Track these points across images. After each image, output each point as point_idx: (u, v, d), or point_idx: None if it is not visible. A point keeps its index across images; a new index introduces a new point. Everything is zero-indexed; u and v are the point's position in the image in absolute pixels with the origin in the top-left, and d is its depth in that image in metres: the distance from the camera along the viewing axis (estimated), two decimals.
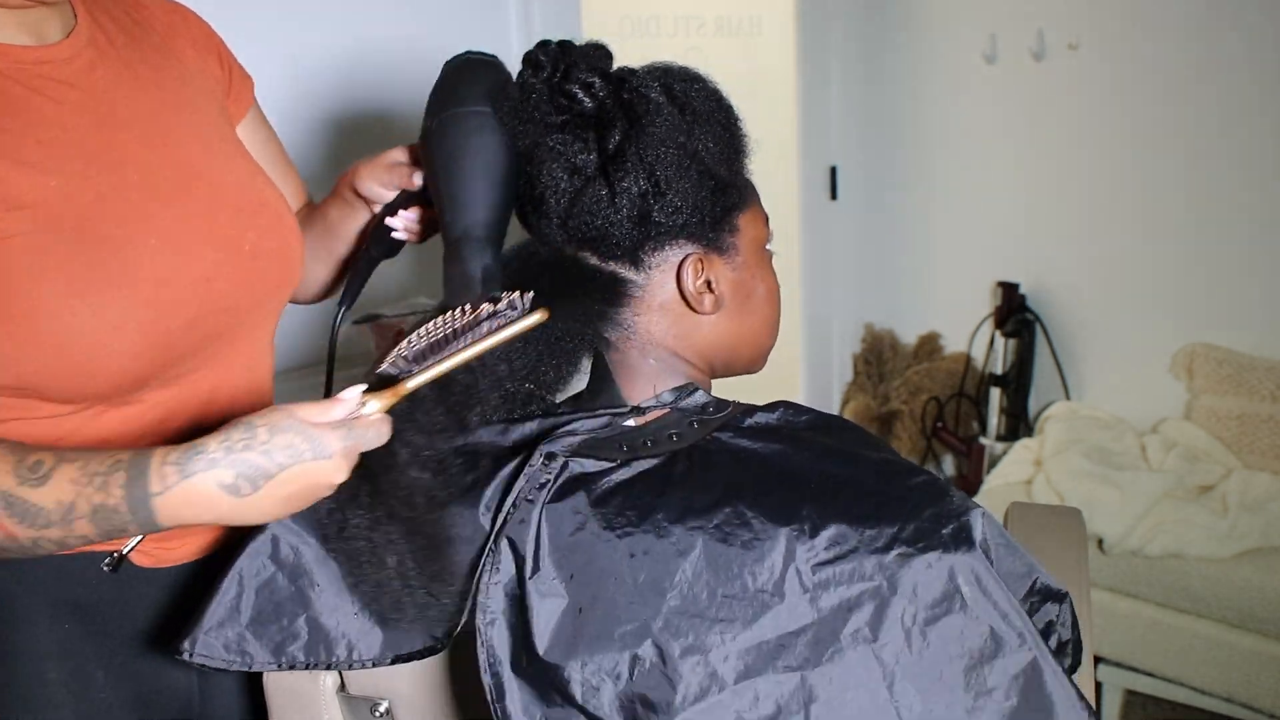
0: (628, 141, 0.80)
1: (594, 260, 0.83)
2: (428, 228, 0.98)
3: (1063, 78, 2.64)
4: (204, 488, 0.69)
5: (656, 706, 0.67)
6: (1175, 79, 2.46)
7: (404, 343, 0.75)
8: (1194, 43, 2.42)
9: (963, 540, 0.68)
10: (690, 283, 0.83)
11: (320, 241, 1.08)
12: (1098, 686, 2.26)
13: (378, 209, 1.01)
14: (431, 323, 0.75)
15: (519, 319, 0.75)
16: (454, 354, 0.74)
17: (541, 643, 0.69)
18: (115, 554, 0.91)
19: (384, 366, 0.75)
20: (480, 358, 0.75)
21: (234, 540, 0.84)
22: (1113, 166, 2.60)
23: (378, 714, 0.84)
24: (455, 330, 0.75)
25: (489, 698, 0.70)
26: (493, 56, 0.91)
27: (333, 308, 1.01)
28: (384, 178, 0.98)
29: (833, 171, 3.05)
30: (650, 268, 0.83)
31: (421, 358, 0.75)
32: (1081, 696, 0.67)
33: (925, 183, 2.98)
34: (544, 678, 0.69)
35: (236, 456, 0.69)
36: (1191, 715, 2.24)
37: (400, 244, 1.00)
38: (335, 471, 0.71)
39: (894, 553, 0.67)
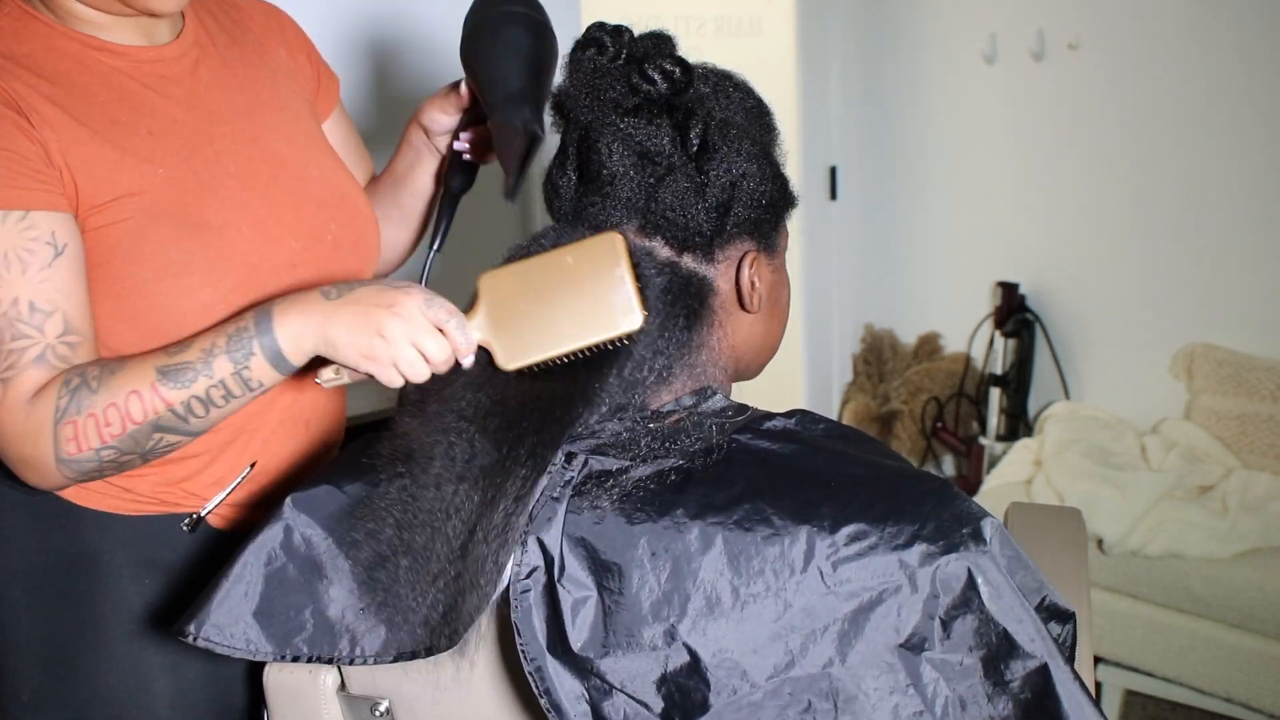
0: (712, 132, 0.80)
1: (668, 252, 0.83)
2: (488, 141, 1.02)
3: (1063, 78, 2.64)
4: (308, 293, 0.82)
5: (693, 701, 0.68)
6: (1175, 79, 2.46)
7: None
8: (1194, 43, 2.42)
9: (980, 543, 0.69)
10: (747, 279, 0.84)
11: (391, 198, 1.14)
12: (1098, 686, 2.26)
13: (443, 142, 1.07)
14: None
15: (593, 235, 0.80)
16: (531, 258, 0.81)
17: (575, 640, 0.70)
18: (194, 515, 0.99)
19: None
20: (559, 271, 0.80)
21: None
22: (1113, 166, 2.60)
23: (378, 713, 0.84)
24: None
25: (534, 687, 0.70)
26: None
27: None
28: (440, 104, 1.04)
29: (833, 171, 3.05)
30: (719, 262, 0.84)
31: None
32: (1092, 700, 0.67)
33: (925, 182, 2.99)
34: (582, 667, 0.70)
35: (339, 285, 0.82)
36: (1191, 715, 2.24)
37: (475, 170, 1.05)
38: (403, 295, 0.79)
39: (915, 550, 0.68)
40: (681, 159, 0.81)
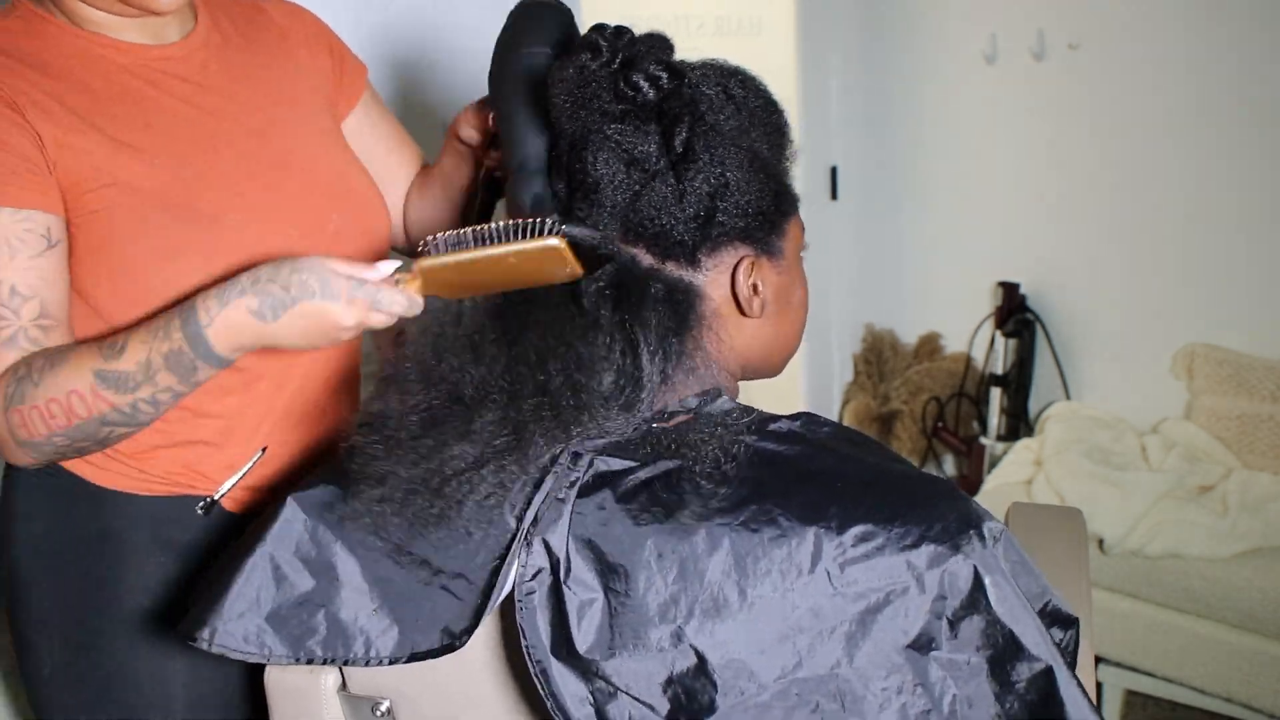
0: (696, 139, 0.79)
1: (650, 260, 0.82)
2: None
3: (1063, 78, 2.64)
4: (238, 313, 0.82)
5: (700, 704, 0.68)
6: (1175, 79, 2.46)
7: (443, 234, 0.81)
8: (1194, 43, 2.42)
9: (987, 545, 0.69)
10: (744, 285, 0.83)
11: (441, 191, 1.17)
12: (1098, 686, 2.26)
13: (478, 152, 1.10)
14: (472, 228, 0.80)
15: (540, 237, 0.78)
16: (471, 250, 0.79)
17: (581, 642, 0.70)
18: (208, 498, 1.01)
19: (426, 240, 0.81)
20: (497, 266, 0.79)
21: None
22: (1113, 166, 2.60)
23: (378, 713, 0.84)
24: (486, 235, 0.79)
25: (539, 688, 0.70)
26: (558, 1, 0.95)
27: None
28: (470, 119, 1.09)
29: (833, 171, 3.05)
30: (707, 269, 0.83)
31: (454, 245, 0.80)
32: (1094, 707, 0.68)
33: (925, 182, 2.98)
34: (588, 668, 0.70)
35: (261, 287, 0.82)
36: (1191, 715, 2.24)
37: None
38: (342, 314, 0.81)
39: (923, 551, 0.68)
40: (664, 167, 0.80)
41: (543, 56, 0.90)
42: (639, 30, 0.85)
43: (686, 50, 0.87)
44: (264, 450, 1.03)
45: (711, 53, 0.86)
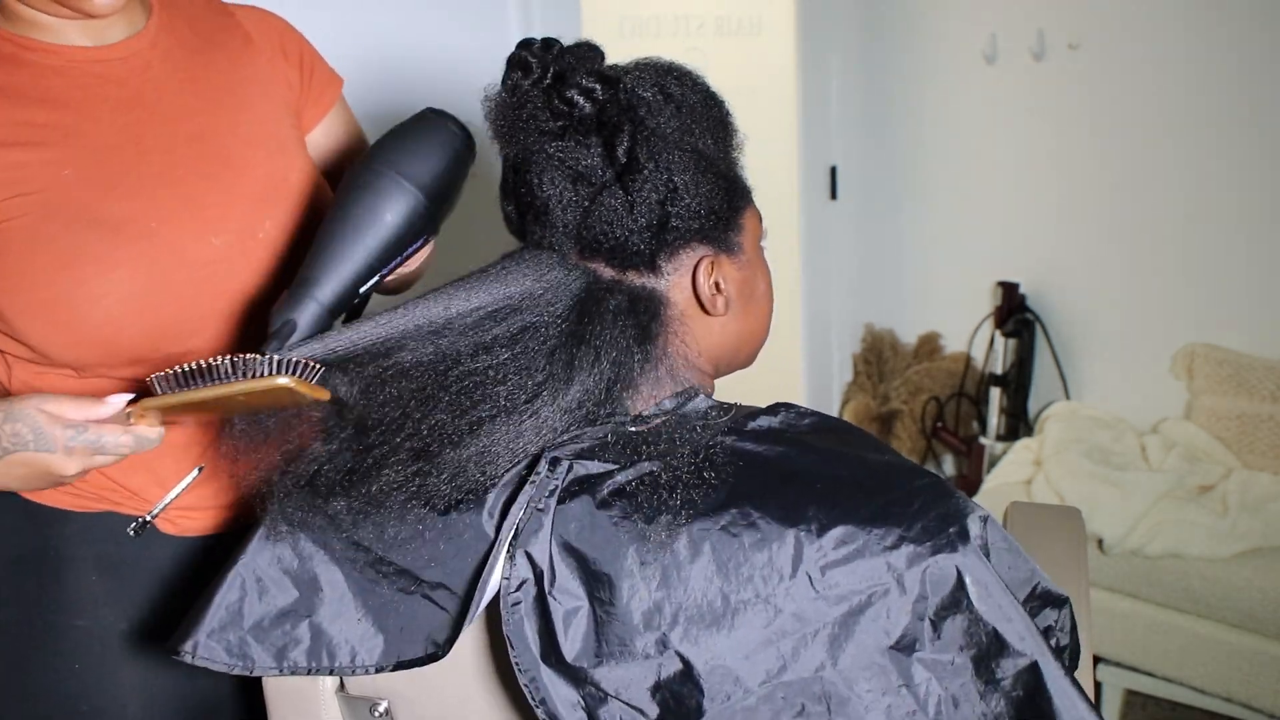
0: (638, 147, 0.78)
1: (610, 272, 0.82)
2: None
3: (1063, 78, 2.64)
4: None
5: (688, 707, 0.68)
6: (1175, 79, 2.46)
7: (170, 370, 0.77)
8: (1194, 43, 2.42)
9: (968, 541, 0.69)
10: (705, 285, 0.82)
11: None
12: (1098, 686, 2.26)
13: None
14: (213, 357, 0.77)
15: (268, 377, 0.75)
16: (199, 390, 0.76)
17: (569, 651, 0.70)
18: (140, 519, 0.98)
19: (152, 378, 0.78)
20: (228, 402, 0.76)
21: (250, 517, 0.85)
22: (1113, 166, 2.60)
23: (377, 714, 0.84)
24: (214, 372, 0.76)
25: (529, 698, 0.70)
26: (451, 119, 0.89)
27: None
28: None
29: (833, 171, 3.05)
30: (668, 274, 0.82)
31: (182, 383, 0.77)
32: (1084, 694, 0.68)
33: (925, 182, 2.98)
34: (577, 674, 0.70)
35: None
36: (1191, 715, 2.24)
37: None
38: (61, 465, 0.80)
39: (902, 552, 0.68)
40: (610, 179, 0.79)
41: (389, 180, 0.85)
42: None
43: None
44: (200, 469, 0.98)
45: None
